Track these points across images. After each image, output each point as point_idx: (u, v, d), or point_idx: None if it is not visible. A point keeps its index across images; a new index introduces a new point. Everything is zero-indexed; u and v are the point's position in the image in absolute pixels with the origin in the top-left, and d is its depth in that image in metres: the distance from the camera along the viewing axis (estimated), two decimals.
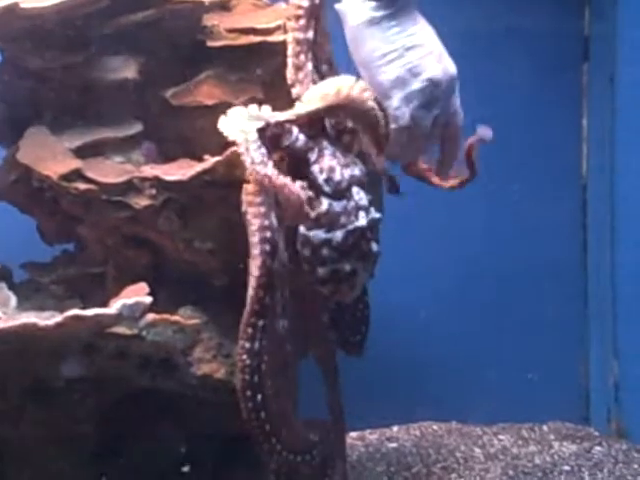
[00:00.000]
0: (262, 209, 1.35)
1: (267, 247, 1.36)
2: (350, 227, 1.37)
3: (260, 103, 1.52)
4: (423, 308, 2.27)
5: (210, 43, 1.60)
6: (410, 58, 1.39)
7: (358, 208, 1.38)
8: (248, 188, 1.36)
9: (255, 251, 1.36)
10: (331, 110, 1.37)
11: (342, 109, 1.37)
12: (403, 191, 1.57)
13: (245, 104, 1.52)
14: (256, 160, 1.29)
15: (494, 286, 2.29)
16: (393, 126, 1.38)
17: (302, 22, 1.42)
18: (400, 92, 1.39)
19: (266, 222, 1.36)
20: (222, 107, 1.55)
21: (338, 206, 1.37)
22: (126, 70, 1.57)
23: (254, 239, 1.36)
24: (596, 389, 2.35)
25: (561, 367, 2.35)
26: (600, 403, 2.34)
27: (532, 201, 2.30)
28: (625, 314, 2.27)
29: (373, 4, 1.39)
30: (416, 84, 1.38)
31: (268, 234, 1.36)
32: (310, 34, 1.42)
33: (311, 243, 1.38)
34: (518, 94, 2.27)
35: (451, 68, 1.42)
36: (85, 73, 1.57)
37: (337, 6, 1.43)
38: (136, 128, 1.58)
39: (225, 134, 1.32)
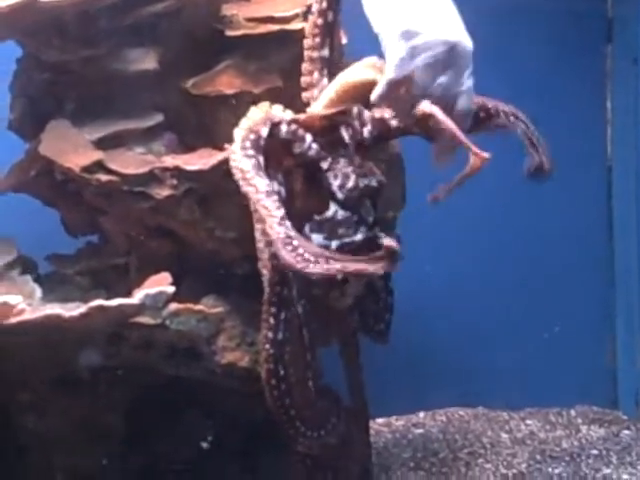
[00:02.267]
0: None
1: None
2: (346, 240, 1.37)
3: (279, 91, 1.54)
4: (448, 294, 2.27)
5: (229, 32, 1.59)
6: (432, 14, 1.32)
7: (360, 222, 1.38)
8: None
9: (265, 254, 1.37)
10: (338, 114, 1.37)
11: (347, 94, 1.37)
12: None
13: (264, 93, 1.54)
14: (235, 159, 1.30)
15: (521, 269, 2.29)
16: (393, 75, 1.33)
17: (317, 40, 1.42)
18: (407, 43, 1.31)
19: None
20: (242, 96, 1.57)
21: (341, 216, 1.37)
22: (146, 61, 1.57)
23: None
24: (623, 373, 2.34)
25: (588, 351, 2.34)
26: (628, 386, 2.33)
27: (558, 183, 2.28)
28: None
29: None
30: (429, 40, 1.31)
31: None
32: (325, 52, 1.42)
33: None
34: (542, 76, 2.25)
35: (468, 43, 1.34)
36: (105, 65, 1.57)
37: None
38: (157, 119, 1.58)
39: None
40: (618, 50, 2.30)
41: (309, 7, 1.59)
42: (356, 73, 1.38)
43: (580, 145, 2.31)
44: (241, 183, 1.29)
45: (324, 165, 1.37)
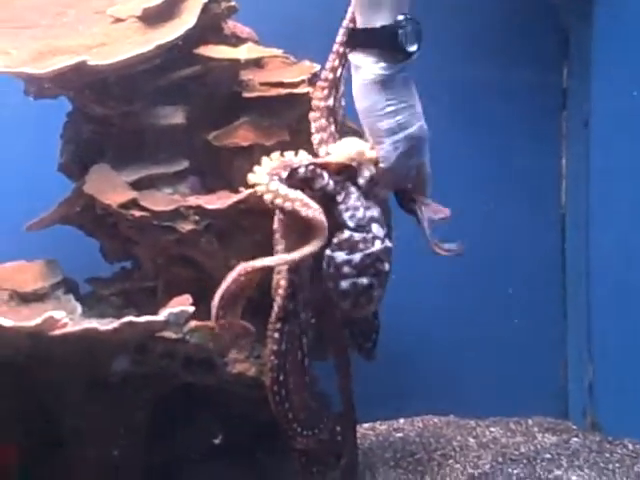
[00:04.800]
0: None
1: (293, 265, 1.38)
2: (367, 251, 1.39)
3: (287, 144, 1.55)
4: (424, 322, 2.26)
5: (246, 94, 1.61)
6: (402, 114, 1.41)
7: (374, 238, 1.40)
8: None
9: (282, 268, 1.38)
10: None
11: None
12: None
13: (275, 146, 1.56)
14: (286, 195, 1.32)
15: (486, 299, 2.28)
16: (382, 165, 1.43)
17: (325, 92, 1.45)
18: (389, 139, 1.42)
19: (293, 244, 1.38)
20: (255, 148, 1.59)
21: (358, 237, 1.39)
22: (175, 117, 1.59)
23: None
24: (573, 389, 2.34)
25: (544, 371, 2.33)
26: (577, 401, 2.32)
27: (520, 226, 2.30)
28: (598, 324, 2.26)
29: (383, 65, 1.41)
30: (401, 135, 1.42)
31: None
32: (330, 101, 1.46)
33: (335, 262, 1.39)
34: (508, 138, 2.27)
35: (425, 128, 1.46)
36: (141, 119, 1.58)
37: (351, 57, 1.45)
38: (183, 165, 1.60)
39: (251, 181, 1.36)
40: (571, 115, 2.32)
41: (313, 74, 1.63)
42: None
43: (539, 195, 2.33)
44: (281, 202, 1.33)
45: (339, 198, 1.40)
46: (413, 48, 1.40)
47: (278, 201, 1.33)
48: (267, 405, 1.41)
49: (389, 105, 1.41)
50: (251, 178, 1.36)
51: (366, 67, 1.42)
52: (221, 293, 1.34)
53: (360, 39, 1.43)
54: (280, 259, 1.38)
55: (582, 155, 2.27)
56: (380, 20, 1.40)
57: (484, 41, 2.21)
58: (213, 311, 1.35)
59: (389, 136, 1.41)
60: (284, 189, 1.33)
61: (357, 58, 1.44)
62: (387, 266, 1.42)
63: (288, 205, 1.33)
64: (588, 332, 2.28)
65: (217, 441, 1.59)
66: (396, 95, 1.41)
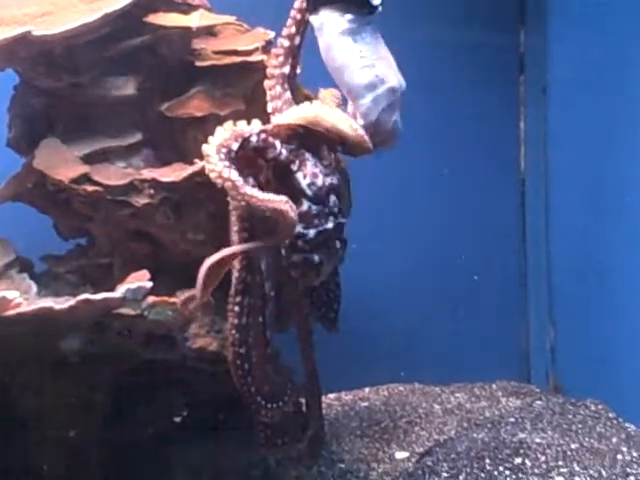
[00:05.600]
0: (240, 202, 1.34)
1: (245, 235, 1.35)
2: (320, 228, 1.37)
3: (242, 114, 1.52)
4: (390, 289, 2.27)
5: (198, 63, 1.58)
6: (379, 67, 1.40)
7: (329, 214, 1.38)
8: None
9: (235, 239, 1.36)
10: (303, 127, 1.37)
11: (315, 126, 1.37)
12: None
13: (229, 115, 1.53)
14: (221, 172, 1.28)
15: (446, 267, 2.29)
16: (362, 122, 1.40)
17: (281, 59, 1.42)
18: (371, 94, 1.39)
19: (244, 214, 1.35)
20: (210, 118, 1.55)
21: (315, 209, 1.37)
22: (127, 88, 1.55)
23: (234, 229, 1.36)
24: (536, 353, 2.37)
25: (506, 336, 2.36)
26: (539, 365, 2.35)
27: (480, 191, 2.31)
28: (559, 289, 2.28)
29: (350, 17, 1.39)
30: (382, 89, 1.40)
31: (247, 224, 1.35)
32: (286, 69, 1.42)
33: None
34: (465, 102, 2.27)
35: (403, 82, 1.44)
36: (91, 91, 1.54)
37: (312, 18, 1.42)
38: (136, 137, 1.56)
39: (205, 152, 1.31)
40: (529, 80, 2.32)
41: (268, 42, 1.59)
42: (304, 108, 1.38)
43: (497, 160, 2.34)
44: (214, 177, 1.28)
45: (293, 167, 1.36)
46: (377, 1, 1.39)
47: (212, 175, 1.28)
48: (230, 379, 1.40)
49: (363, 57, 1.39)
50: (204, 149, 1.32)
51: (333, 22, 1.39)
52: (209, 265, 1.31)
53: None
54: (243, 247, 1.35)
55: (541, 120, 2.28)
56: None
57: (441, 4, 2.19)
58: (202, 277, 1.31)
59: (370, 91, 1.39)
60: (220, 165, 1.28)
61: (322, 16, 1.41)
62: (338, 244, 1.41)
63: (219, 182, 1.28)
64: (549, 295, 2.30)
65: (178, 419, 1.58)
66: (368, 46, 1.39)
